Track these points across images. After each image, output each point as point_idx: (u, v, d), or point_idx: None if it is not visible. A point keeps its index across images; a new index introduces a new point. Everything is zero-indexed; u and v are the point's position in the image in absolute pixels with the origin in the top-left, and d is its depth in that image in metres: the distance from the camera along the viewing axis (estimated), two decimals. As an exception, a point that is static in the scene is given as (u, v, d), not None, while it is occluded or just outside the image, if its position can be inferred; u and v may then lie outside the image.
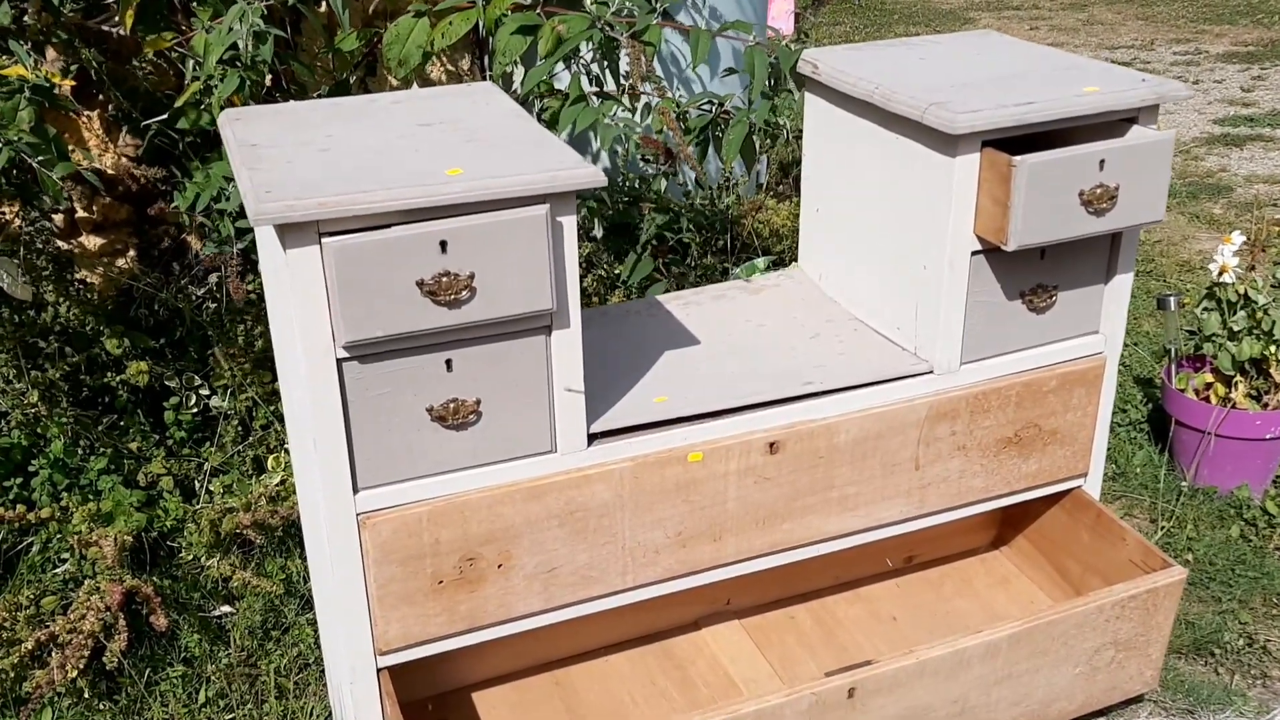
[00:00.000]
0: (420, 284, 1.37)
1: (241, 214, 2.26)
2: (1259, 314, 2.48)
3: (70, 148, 2.40)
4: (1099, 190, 1.65)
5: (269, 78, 2.25)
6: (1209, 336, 2.53)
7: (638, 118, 2.58)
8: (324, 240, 1.33)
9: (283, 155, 1.45)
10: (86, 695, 1.97)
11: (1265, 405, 2.48)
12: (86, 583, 2.02)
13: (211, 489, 2.32)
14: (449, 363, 1.47)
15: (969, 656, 1.72)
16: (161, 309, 2.52)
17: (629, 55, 2.16)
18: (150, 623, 2.01)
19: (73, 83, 2.24)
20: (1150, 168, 1.67)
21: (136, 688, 2.01)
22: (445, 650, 1.64)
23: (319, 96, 2.41)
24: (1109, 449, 2.59)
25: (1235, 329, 2.49)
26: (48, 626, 1.95)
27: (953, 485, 1.86)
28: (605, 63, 2.26)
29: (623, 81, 2.37)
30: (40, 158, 1.95)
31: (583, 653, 2.00)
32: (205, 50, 2.08)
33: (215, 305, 2.50)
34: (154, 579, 2.11)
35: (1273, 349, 2.45)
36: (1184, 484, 2.56)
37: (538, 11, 2.16)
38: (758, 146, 2.32)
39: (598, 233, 2.90)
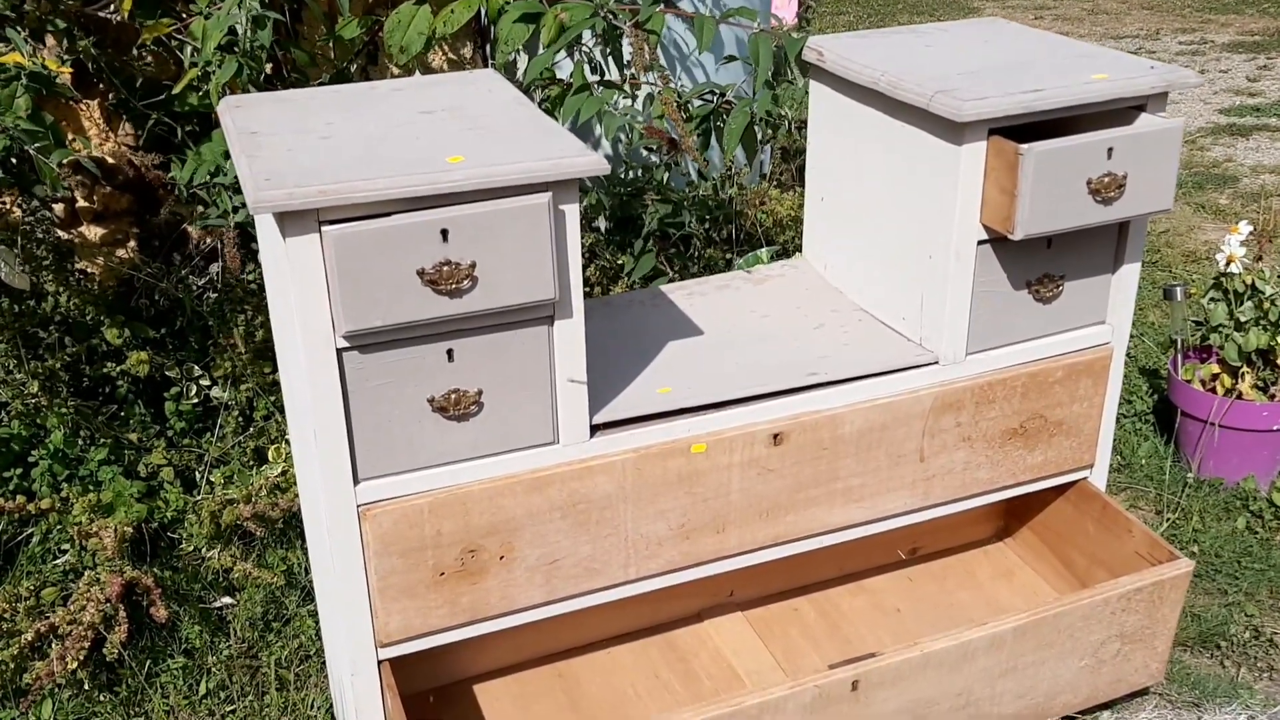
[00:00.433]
0: (421, 273, 1.36)
1: (239, 188, 2.25)
2: (1266, 304, 2.46)
3: (70, 137, 2.39)
4: (1107, 179, 1.63)
5: (269, 65, 2.24)
6: (1215, 327, 2.51)
7: (639, 106, 2.56)
8: (324, 229, 1.31)
9: (283, 143, 1.44)
10: (87, 687, 1.97)
11: (1272, 396, 2.47)
12: (87, 574, 2.01)
13: (212, 480, 2.31)
14: (450, 353, 1.45)
15: (973, 649, 1.71)
16: (162, 299, 2.51)
17: (631, 43, 2.14)
18: (150, 614, 2.00)
19: (70, 70, 2.23)
20: (1159, 156, 1.65)
21: (137, 679, 2.00)
22: (447, 642, 1.63)
23: (320, 84, 2.39)
24: (1114, 440, 2.57)
25: (1242, 319, 2.47)
26: (48, 618, 1.95)
27: (958, 477, 1.84)
28: (608, 51, 2.24)
29: (626, 70, 2.36)
30: (36, 144, 1.94)
31: (585, 645, 1.99)
32: (203, 35, 2.07)
33: (216, 295, 2.48)
34: (154, 570, 2.11)
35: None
36: (1190, 475, 2.54)
37: (540, -1, 2.15)
38: (759, 136, 2.30)
39: (601, 224, 2.89)
